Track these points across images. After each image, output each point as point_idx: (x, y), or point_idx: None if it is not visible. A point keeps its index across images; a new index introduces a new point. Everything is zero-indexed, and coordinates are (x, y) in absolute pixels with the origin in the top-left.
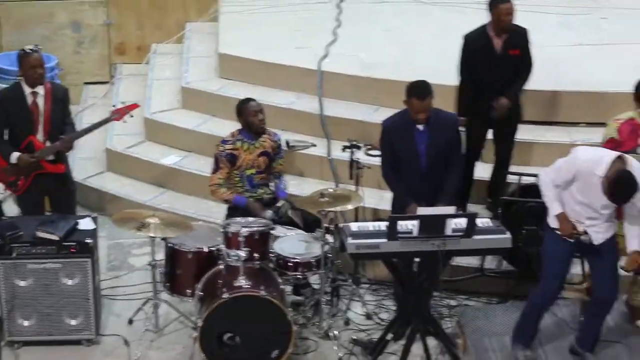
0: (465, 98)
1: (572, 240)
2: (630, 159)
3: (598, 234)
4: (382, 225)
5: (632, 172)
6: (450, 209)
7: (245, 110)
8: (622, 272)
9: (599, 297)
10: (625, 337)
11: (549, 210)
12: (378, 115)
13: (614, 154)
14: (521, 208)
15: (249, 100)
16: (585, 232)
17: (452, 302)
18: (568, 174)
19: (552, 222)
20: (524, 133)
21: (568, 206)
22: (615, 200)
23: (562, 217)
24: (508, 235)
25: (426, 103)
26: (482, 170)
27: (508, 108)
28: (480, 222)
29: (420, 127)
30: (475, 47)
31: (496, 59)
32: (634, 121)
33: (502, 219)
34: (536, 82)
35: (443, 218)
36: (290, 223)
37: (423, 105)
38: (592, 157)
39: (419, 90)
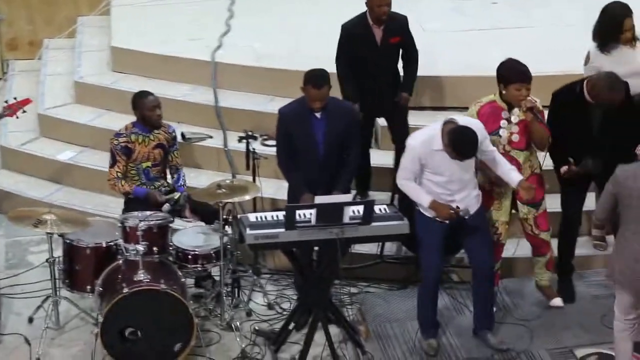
0: (347, 89)
1: (447, 222)
2: (458, 117)
3: (471, 206)
4: (280, 215)
5: (462, 124)
6: (348, 197)
7: (142, 104)
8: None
9: (478, 268)
10: (529, 320)
11: (421, 205)
12: (273, 105)
13: (439, 123)
14: None
15: (146, 94)
16: (458, 208)
17: (353, 290)
18: (414, 165)
19: (420, 206)
20: (419, 118)
21: (435, 195)
22: (466, 155)
23: (434, 204)
24: (406, 221)
25: (323, 91)
26: (385, 157)
27: (408, 100)
28: (378, 208)
29: (318, 115)
30: (354, 36)
31: (377, 48)
32: (495, 103)
33: (400, 205)
34: (431, 67)
35: (340, 206)
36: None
37: (320, 93)
38: (423, 137)
39: (316, 78)
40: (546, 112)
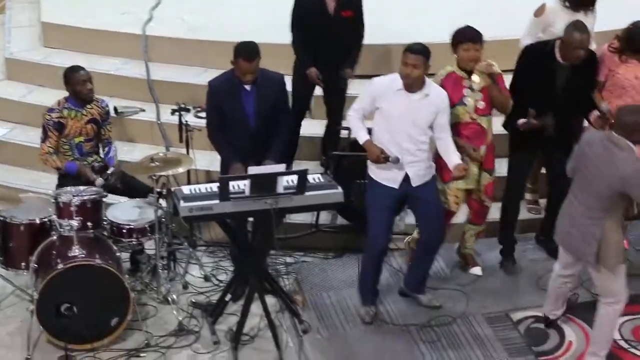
0: (302, 57)
1: (395, 187)
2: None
3: (417, 176)
4: (214, 187)
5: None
6: (280, 167)
7: (73, 79)
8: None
9: (427, 240)
10: (462, 285)
11: (358, 140)
12: (206, 77)
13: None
14: (352, 162)
15: (77, 68)
16: (389, 158)
17: (289, 260)
18: (368, 100)
19: (372, 172)
20: (356, 87)
21: (384, 147)
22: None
23: (368, 144)
24: (340, 189)
25: (254, 64)
26: (319, 127)
27: (352, 76)
28: (312, 178)
29: (248, 87)
30: (307, 7)
31: (329, 20)
32: (454, 74)
33: (335, 174)
34: (367, 36)
35: (274, 176)
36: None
37: (251, 66)
38: (388, 77)
39: (247, 51)
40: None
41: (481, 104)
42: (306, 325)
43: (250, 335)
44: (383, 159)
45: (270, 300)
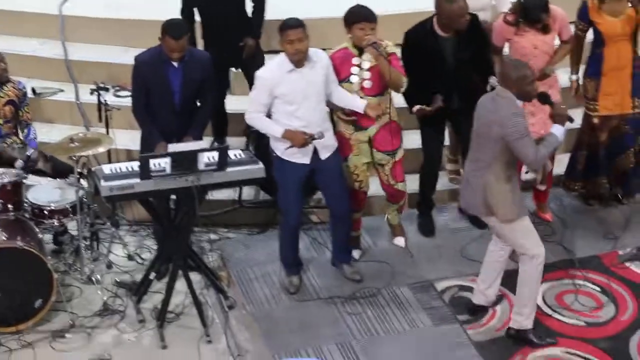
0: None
1: (303, 162)
2: None
3: (325, 147)
4: (135, 166)
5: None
6: (201, 144)
7: None
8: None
9: (336, 211)
10: (389, 257)
11: (273, 137)
12: (128, 56)
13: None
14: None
15: None
16: (314, 136)
17: (213, 236)
18: (264, 96)
19: (278, 150)
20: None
21: (296, 127)
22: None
23: (288, 133)
24: (261, 165)
25: (181, 42)
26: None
27: (254, 47)
28: (233, 154)
29: (175, 64)
30: None
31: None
32: (346, 50)
33: (256, 150)
34: (283, 9)
35: (194, 153)
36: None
37: (178, 44)
38: (272, 66)
39: (174, 29)
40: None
41: (368, 83)
42: (231, 301)
43: (175, 313)
44: (310, 139)
45: (195, 277)
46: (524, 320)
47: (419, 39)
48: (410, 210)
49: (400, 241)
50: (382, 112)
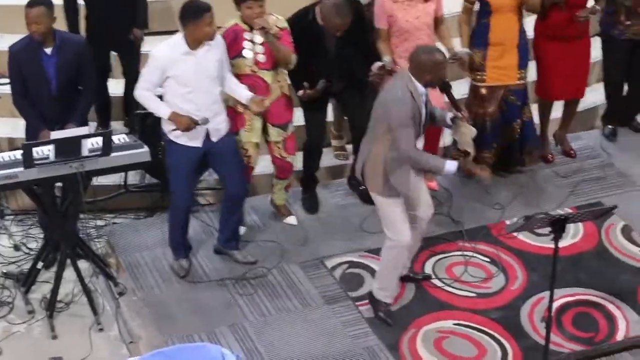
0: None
1: (195, 145)
2: None
3: (216, 130)
4: (18, 154)
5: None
6: (84, 130)
7: None
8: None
9: (231, 193)
10: (278, 235)
11: (162, 117)
12: (3, 42)
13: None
14: (156, 120)
15: None
16: (199, 121)
17: (100, 222)
18: (156, 75)
19: (171, 135)
20: (152, 44)
21: (186, 109)
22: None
23: (174, 116)
24: (146, 148)
25: (34, 12)
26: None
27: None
28: (117, 138)
29: (48, 51)
30: None
31: None
32: (237, 26)
33: (140, 134)
34: None
35: (78, 139)
36: None
37: (31, 14)
38: (168, 45)
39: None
40: None
41: (262, 58)
42: (121, 287)
43: (65, 302)
44: (194, 124)
45: (83, 265)
46: (378, 290)
47: (301, 27)
48: (295, 189)
49: (291, 220)
50: (265, 109)
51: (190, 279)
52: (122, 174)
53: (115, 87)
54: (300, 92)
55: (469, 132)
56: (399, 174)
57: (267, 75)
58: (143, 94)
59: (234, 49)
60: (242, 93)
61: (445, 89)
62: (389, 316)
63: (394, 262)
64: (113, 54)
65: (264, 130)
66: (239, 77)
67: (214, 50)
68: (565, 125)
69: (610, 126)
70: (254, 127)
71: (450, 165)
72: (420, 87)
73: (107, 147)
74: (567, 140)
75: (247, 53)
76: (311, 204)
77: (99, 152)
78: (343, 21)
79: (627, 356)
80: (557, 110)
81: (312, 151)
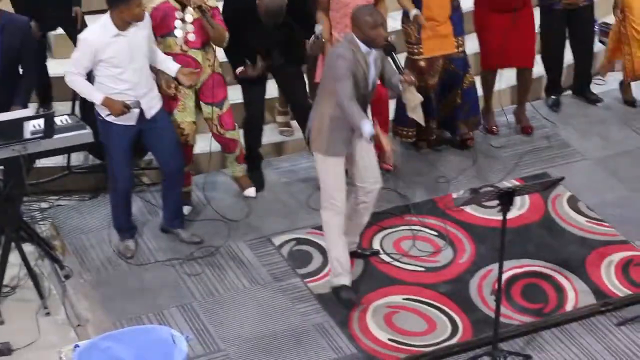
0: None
1: (129, 124)
2: None
3: (150, 107)
4: None
5: None
6: (26, 112)
7: None
8: None
9: (168, 169)
10: (225, 213)
11: (100, 112)
12: None
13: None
14: None
15: None
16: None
17: (44, 205)
18: (87, 59)
19: (103, 114)
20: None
21: (117, 93)
22: None
23: (107, 101)
24: (89, 130)
25: None
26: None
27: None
28: (59, 120)
29: None
30: None
31: None
32: (168, 4)
33: (83, 114)
34: None
35: (19, 122)
36: None
37: None
38: (98, 29)
39: None
40: None
41: (192, 37)
42: (68, 270)
43: (11, 287)
44: (127, 109)
45: (28, 248)
46: (333, 278)
47: (238, 2)
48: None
49: (250, 192)
50: (194, 83)
51: (136, 260)
52: (65, 155)
53: (55, 67)
54: (240, 69)
55: (413, 97)
56: (340, 130)
57: (197, 54)
58: (74, 79)
59: (163, 26)
60: (170, 66)
61: (389, 51)
62: (352, 294)
63: (336, 229)
64: (51, 34)
65: (199, 108)
66: (169, 56)
67: (142, 28)
68: (521, 102)
69: (553, 96)
70: (187, 107)
71: (366, 125)
72: (363, 46)
73: (50, 129)
74: (526, 117)
75: (178, 32)
76: (256, 181)
77: (41, 134)
78: (275, 11)
79: (576, 326)
80: (500, 82)
81: (252, 127)
